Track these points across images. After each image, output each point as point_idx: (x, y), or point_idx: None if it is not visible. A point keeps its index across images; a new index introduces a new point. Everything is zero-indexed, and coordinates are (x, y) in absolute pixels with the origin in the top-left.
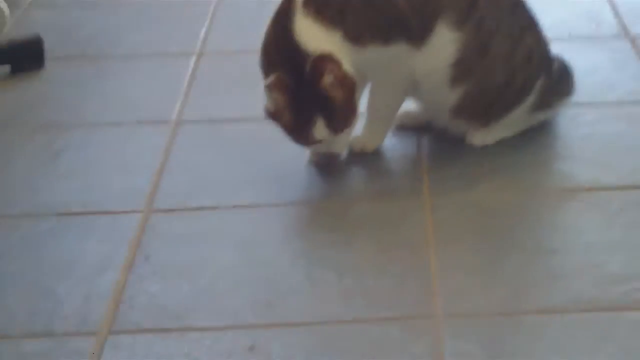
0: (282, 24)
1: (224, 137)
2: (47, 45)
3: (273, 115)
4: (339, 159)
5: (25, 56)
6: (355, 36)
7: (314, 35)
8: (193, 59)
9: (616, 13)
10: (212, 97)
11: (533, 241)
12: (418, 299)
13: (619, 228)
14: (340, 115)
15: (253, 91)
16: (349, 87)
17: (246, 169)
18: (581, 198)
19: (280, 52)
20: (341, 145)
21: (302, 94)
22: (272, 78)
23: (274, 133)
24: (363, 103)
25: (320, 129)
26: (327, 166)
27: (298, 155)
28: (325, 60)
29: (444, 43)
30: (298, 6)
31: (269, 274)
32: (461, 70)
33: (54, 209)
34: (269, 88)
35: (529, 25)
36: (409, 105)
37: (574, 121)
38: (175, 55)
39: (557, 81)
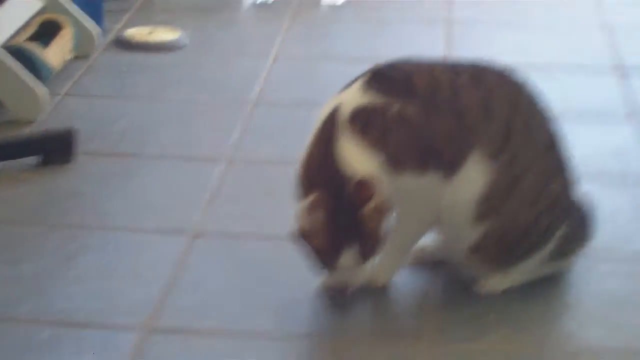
0: (325, 142)
1: (239, 254)
2: (79, 137)
3: (306, 235)
4: (352, 289)
5: (57, 148)
6: (395, 162)
7: (357, 157)
8: (221, 166)
9: None
10: (235, 209)
11: None
12: None
13: None
14: (372, 243)
15: (277, 207)
16: (385, 215)
17: (255, 292)
18: None
19: (321, 171)
20: (361, 275)
21: (338, 217)
22: (314, 196)
23: (289, 255)
24: None
25: (349, 256)
26: (338, 295)
27: (309, 281)
28: (369, 185)
29: (475, 175)
30: (343, 124)
31: None
32: (486, 207)
33: (55, 315)
34: (312, 206)
35: (560, 169)
36: (425, 241)
37: (587, 273)
38: (203, 160)
39: (578, 229)
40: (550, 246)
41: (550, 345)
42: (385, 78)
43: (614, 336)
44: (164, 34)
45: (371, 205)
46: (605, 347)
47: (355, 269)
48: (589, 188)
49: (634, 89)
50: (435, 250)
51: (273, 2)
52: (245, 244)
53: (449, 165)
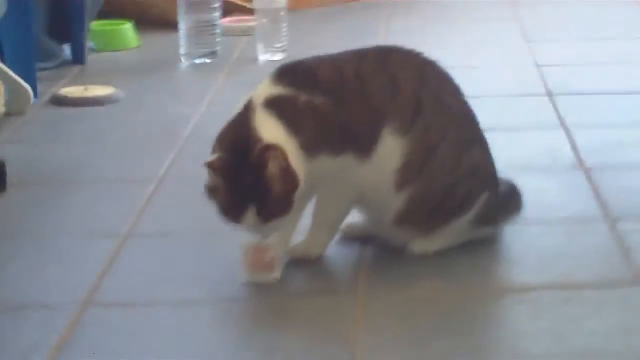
0: (241, 119)
1: (171, 246)
2: (12, 176)
3: (209, 192)
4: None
5: None
6: (309, 147)
7: (269, 128)
8: (155, 182)
9: (574, 147)
10: (166, 216)
11: (460, 329)
12: None
13: (546, 320)
14: (273, 207)
15: (207, 213)
16: (291, 183)
17: (188, 272)
18: (514, 296)
19: (234, 136)
20: (268, 233)
21: (242, 178)
22: (213, 157)
23: (221, 242)
24: (308, 210)
25: (250, 217)
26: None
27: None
28: (273, 149)
29: (390, 150)
30: (258, 106)
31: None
32: (406, 174)
33: None
34: (209, 167)
35: (476, 140)
36: (354, 217)
37: (519, 234)
38: (138, 180)
39: (504, 200)
40: (473, 211)
41: (478, 288)
42: (291, 72)
43: (539, 277)
44: (98, 90)
45: (274, 167)
46: (531, 286)
47: (260, 228)
48: (521, 178)
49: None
50: (364, 225)
51: (211, 60)
52: (177, 238)
53: (364, 146)
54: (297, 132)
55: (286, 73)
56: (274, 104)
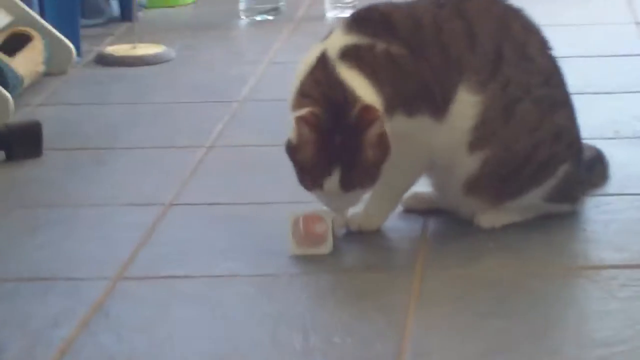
0: (322, 70)
1: (215, 217)
2: (49, 138)
3: (293, 148)
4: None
5: (23, 141)
6: (388, 105)
7: (359, 83)
8: (202, 150)
9: None
10: (213, 184)
11: (520, 309)
12: (381, 358)
13: (616, 301)
14: (360, 174)
15: (254, 181)
16: (384, 151)
17: (231, 244)
18: (586, 275)
19: (321, 88)
20: (344, 205)
21: (335, 137)
22: (305, 111)
23: (265, 215)
24: None
25: (333, 181)
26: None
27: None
28: (375, 111)
29: (465, 108)
30: (336, 58)
31: (231, 332)
32: (481, 133)
33: (19, 273)
34: (300, 120)
35: (563, 102)
36: (419, 187)
37: (599, 208)
38: (183, 148)
39: (586, 173)
40: (551, 182)
41: (545, 266)
42: (364, 19)
43: (615, 256)
44: (148, 49)
45: (374, 130)
46: (605, 264)
47: (337, 197)
48: (608, 145)
49: None
50: (429, 196)
51: (274, 18)
52: (221, 210)
53: (440, 105)
54: (380, 89)
55: (360, 20)
56: (352, 55)
